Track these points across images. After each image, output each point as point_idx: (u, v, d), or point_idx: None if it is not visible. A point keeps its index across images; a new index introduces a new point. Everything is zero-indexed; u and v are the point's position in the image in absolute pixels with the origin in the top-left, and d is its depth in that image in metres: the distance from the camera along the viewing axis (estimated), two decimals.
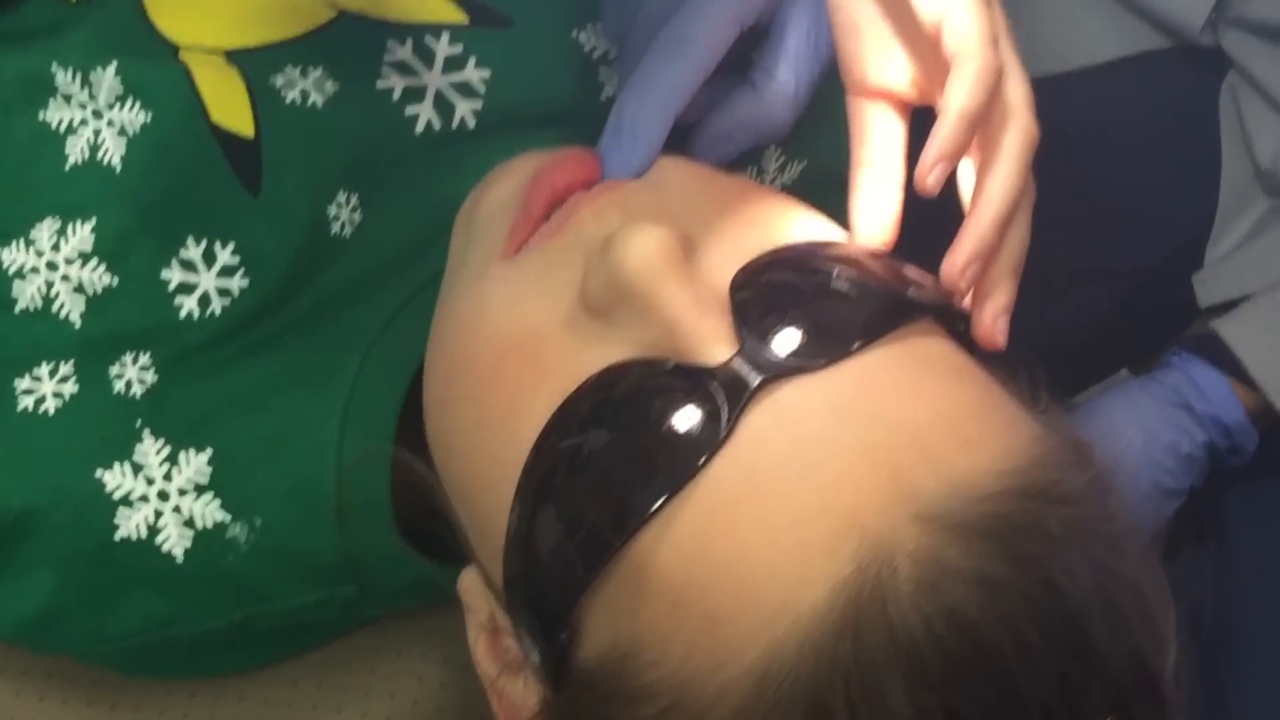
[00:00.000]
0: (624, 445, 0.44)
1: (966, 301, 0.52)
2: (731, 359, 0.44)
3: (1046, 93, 0.89)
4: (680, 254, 0.47)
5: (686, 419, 0.44)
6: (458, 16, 0.61)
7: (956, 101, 0.49)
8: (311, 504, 0.56)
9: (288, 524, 0.56)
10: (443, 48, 0.60)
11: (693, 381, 0.44)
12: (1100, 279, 0.92)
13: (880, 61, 0.55)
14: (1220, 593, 0.84)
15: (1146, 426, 0.84)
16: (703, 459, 0.43)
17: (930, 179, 0.49)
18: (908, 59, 0.54)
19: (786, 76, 0.59)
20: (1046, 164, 0.87)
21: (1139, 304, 0.93)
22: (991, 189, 0.51)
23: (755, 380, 0.44)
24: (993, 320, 0.51)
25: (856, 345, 0.45)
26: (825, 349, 0.45)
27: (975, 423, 0.45)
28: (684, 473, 0.43)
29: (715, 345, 0.45)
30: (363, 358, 0.58)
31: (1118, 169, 0.91)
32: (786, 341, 0.45)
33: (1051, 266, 0.88)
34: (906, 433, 0.44)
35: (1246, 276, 0.89)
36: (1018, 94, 0.51)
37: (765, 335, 0.45)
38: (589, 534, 0.44)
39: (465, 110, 0.60)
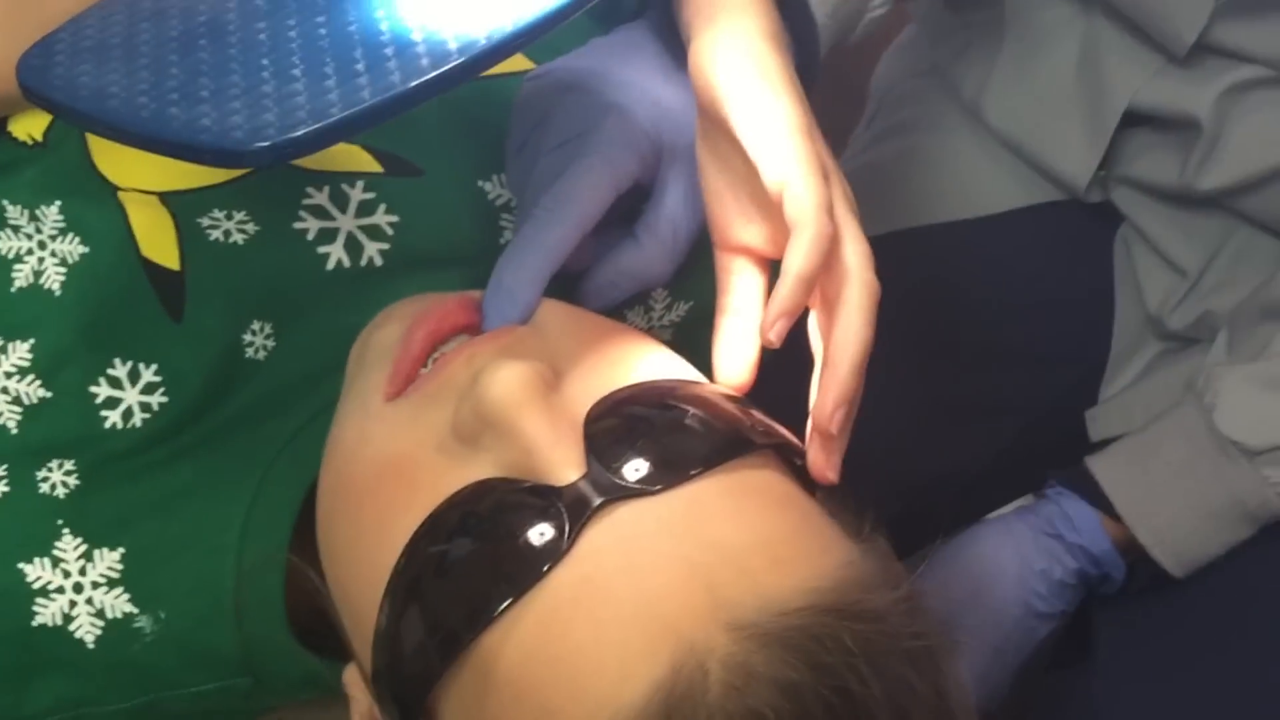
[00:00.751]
0: (480, 553, 0.51)
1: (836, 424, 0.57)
2: (578, 481, 0.51)
3: (951, 237, 0.97)
4: (541, 386, 0.53)
5: (535, 532, 0.50)
6: (373, 166, 0.69)
7: (794, 265, 0.55)
8: (212, 601, 0.62)
9: (190, 618, 0.62)
10: (356, 194, 0.67)
11: (544, 499, 0.51)
12: (1000, 413, 0.98)
13: (739, 222, 0.62)
14: (1087, 717, 0.89)
15: (1021, 552, 0.90)
16: (545, 567, 0.49)
17: (772, 334, 0.55)
18: (762, 220, 0.61)
19: (665, 233, 0.66)
20: (948, 304, 0.94)
21: (1037, 437, 1.00)
22: (842, 341, 0.57)
23: (597, 501, 0.50)
24: (827, 459, 0.57)
25: (693, 473, 0.51)
26: (664, 476, 0.51)
27: (790, 546, 0.51)
28: (528, 579, 0.49)
29: (565, 468, 0.51)
30: (265, 472, 0.64)
31: (1017, 310, 0.97)
32: (630, 468, 0.51)
33: (954, 401, 0.95)
34: (725, 552, 0.50)
35: (1133, 414, 0.96)
36: (856, 254, 0.57)
37: (612, 461, 0.51)
38: (444, 631, 0.50)
39: (373, 251, 0.67)
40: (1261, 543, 0.85)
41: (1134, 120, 0.92)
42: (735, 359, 0.61)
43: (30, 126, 0.67)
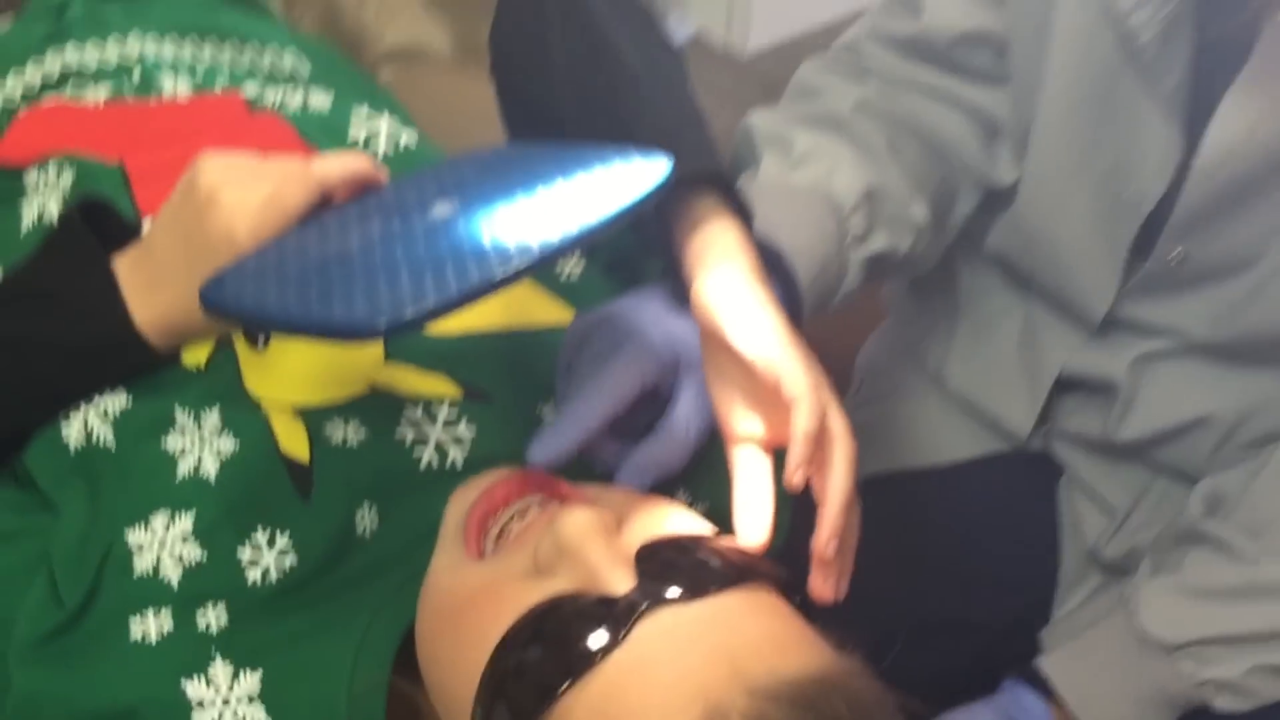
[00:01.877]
0: (555, 644, 0.67)
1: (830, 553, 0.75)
2: (630, 593, 0.68)
3: (922, 482, 1.15)
4: (603, 528, 0.71)
5: (599, 629, 0.67)
6: (454, 392, 0.88)
7: (801, 428, 0.74)
8: (329, 716, 0.78)
9: None
10: (443, 413, 0.87)
11: (604, 607, 0.68)
12: (962, 632, 1.14)
13: (741, 419, 0.81)
14: None
15: None
16: (606, 653, 0.66)
17: (796, 479, 0.74)
18: (759, 415, 0.80)
19: (680, 429, 0.85)
20: (920, 538, 1.12)
21: (996, 654, 1.15)
22: (833, 488, 0.75)
23: (644, 604, 0.68)
24: (830, 585, 0.75)
25: (714, 590, 0.69)
26: (693, 592, 0.68)
27: (790, 641, 0.69)
28: (592, 662, 0.66)
29: (620, 584, 0.69)
30: (371, 618, 0.81)
31: (977, 544, 1.15)
32: (669, 587, 0.69)
33: (924, 618, 1.11)
34: (742, 641, 0.67)
35: (1079, 632, 1.12)
36: (839, 422, 0.76)
37: (655, 582, 0.69)
38: (528, 701, 0.67)
39: (455, 455, 0.86)
40: None
41: (1066, 384, 1.12)
42: (752, 523, 0.78)
43: (196, 356, 0.86)
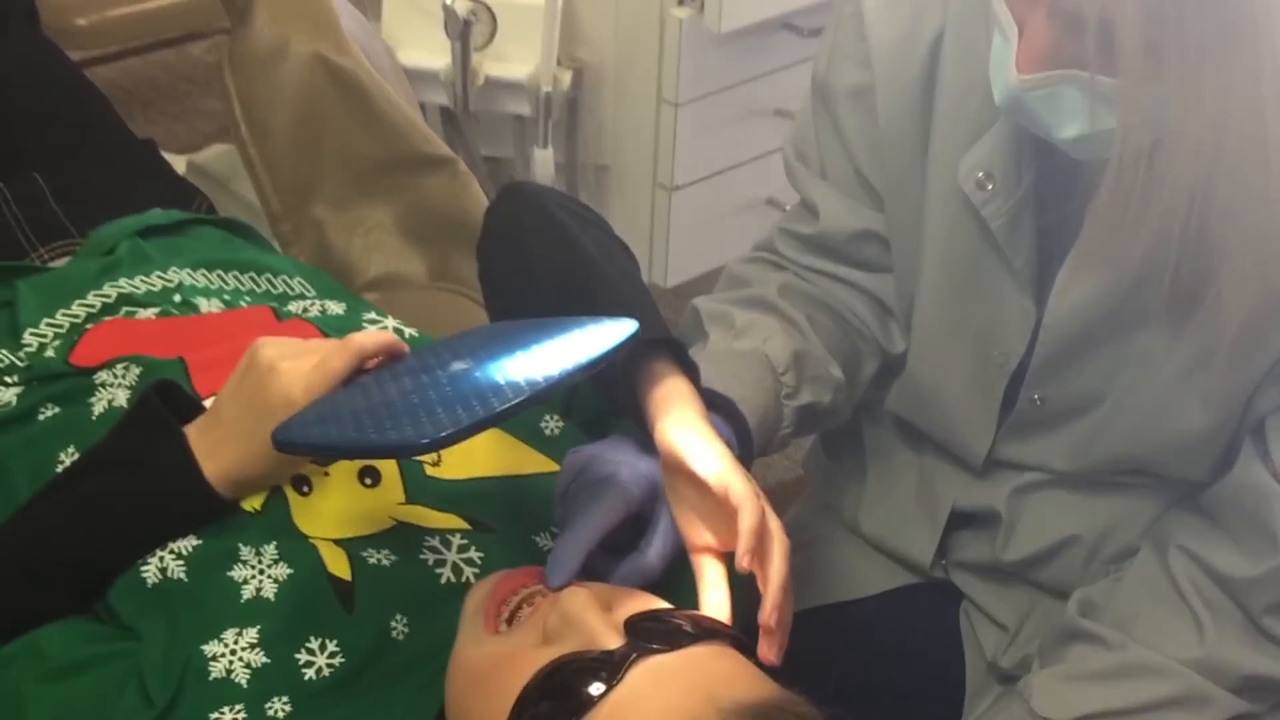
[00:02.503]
0: (564, 691, 0.87)
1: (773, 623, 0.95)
2: (622, 647, 0.88)
3: (842, 613, 1.35)
4: (598, 605, 0.91)
5: (597, 677, 0.87)
6: (464, 525, 1.09)
7: (745, 525, 0.95)
8: None
9: None
10: (456, 540, 1.07)
11: (600, 660, 0.88)
12: None
13: (699, 532, 1.02)
14: None
15: None
16: (603, 691, 0.86)
17: (744, 563, 0.95)
18: (714, 528, 1.01)
19: (659, 546, 1.06)
20: (841, 660, 1.30)
21: None
22: (773, 572, 0.97)
23: (633, 655, 0.87)
24: (772, 649, 0.95)
25: (686, 643, 0.89)
26: (672, 644, 0.89)
27: (752, 679, 0.89)
28: (595, 702, 0.85)
29: (613, 642, 0.89)
30: (409, 702, 0.99)
31: (892, 663, 1.35)
32: (652, 641, 0.89)
33: None
34: (713, 678, 0.87)
35: None
36: (775, 523, 0.98)
37: (641, 638, 0.89)
38: None
39: (469, 573, 1.05)
40: None
41: (959, 520, 1.34)
42: (714, 601, 1.00)
43: (253, 502, 1.06)
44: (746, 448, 1.13)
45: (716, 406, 1.11)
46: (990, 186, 1.13)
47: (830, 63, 1.25)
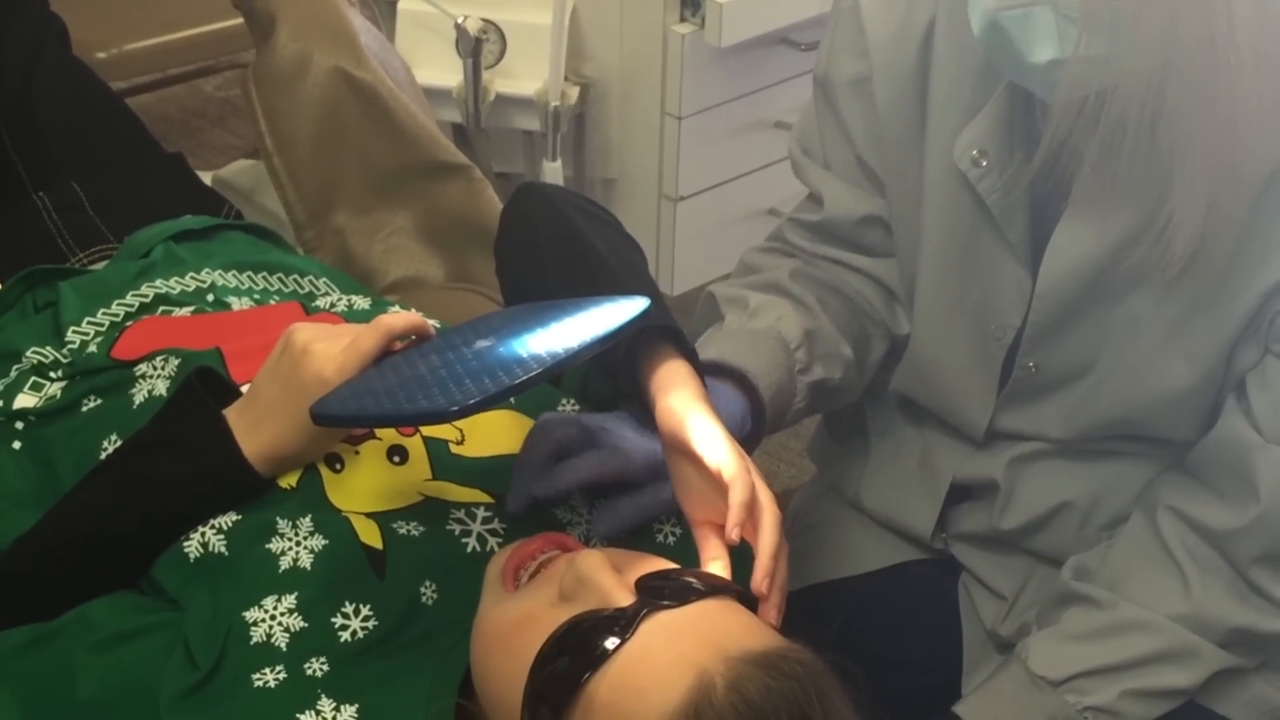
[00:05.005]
0: (580, 645, 0.93)
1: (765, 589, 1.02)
2: (633, 604, 0.95)
3: (843, 591, 1.42)
4: (609, 565, 0.98)
5: (612, 632, 0.93)
6: (488, 499, 1.15)
7: (735, 499, 1.02)
8: None
9: None
10: (480, 512, 1.13)
11: (614, 616, 0.94)
12: (885, 706, 1.37)
13: (699, 506, 1.09)
14: None
15: None
16: (618, 645, 0.92)
17: (733, 535, 1.01)
18: (712, 503, 1.07)
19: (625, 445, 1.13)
20: (844, 634, 1.37)
21: None
22: (763, 541, 1.03)
23: (644, 610, 0.94)
24: (770, 611, 1.01)
25: (693, 599, 0.95)
26: (681, 600, 0.95)
27: (756, 630, 0.95)
28: (610, 654, 0.92)
29: (625, 599, 0.95)
30: (438, 663, 1.05)
31: (893, 635, 1.41)
32: (662, 597, 0.95)
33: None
34: (720, 629, 0.93)
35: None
36: (765, 495, 1.05)
37: (651, 595, 0.95)
38: (563, 688, 0.92)
39: (493, 542, 1.12)
40: None
41: (958, 493, 1.40)
42: (715, 563, 1.06)
43: (289, 479, 1.12)
44: (760, 421, 1.20)
45: (733, 379, 1.18)
46: (985, 163, 1.21)
47: (830, 57, 1.33)
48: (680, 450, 1.08)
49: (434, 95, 2.14)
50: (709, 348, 1.26)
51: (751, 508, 1.04)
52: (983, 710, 1.27)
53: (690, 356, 1.14)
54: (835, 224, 1.37)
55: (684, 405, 1.08)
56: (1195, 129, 1.05)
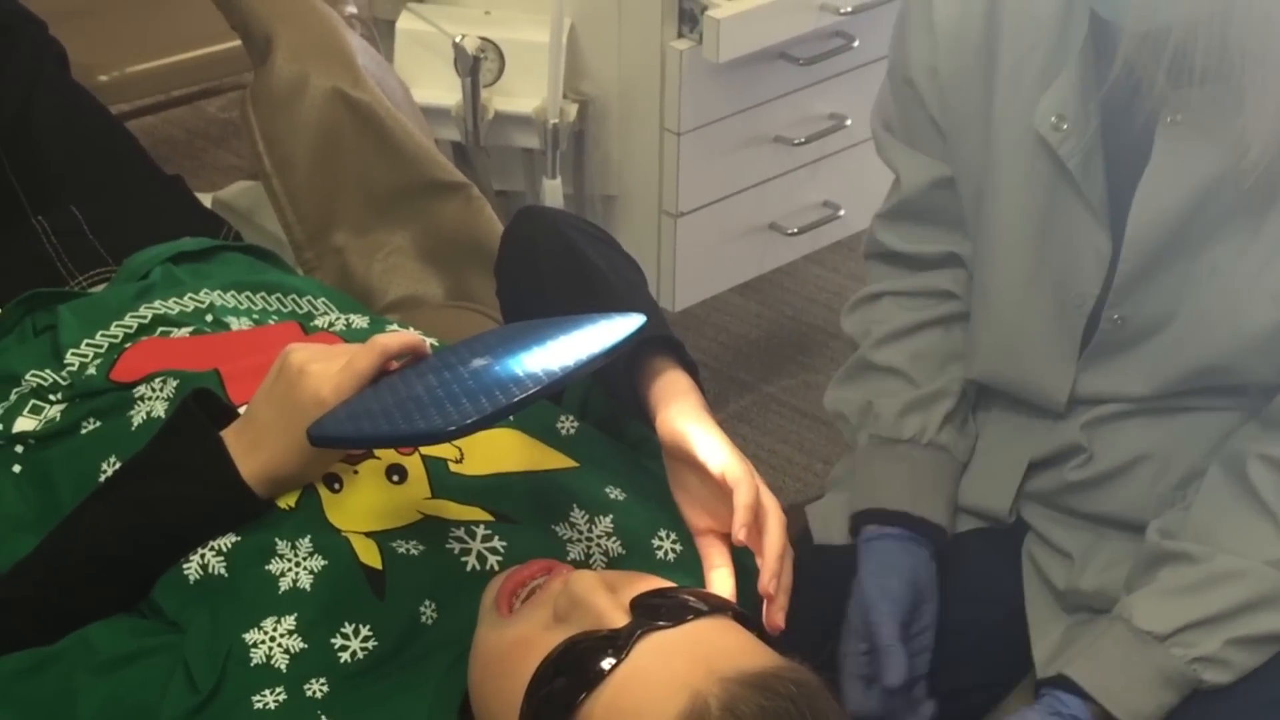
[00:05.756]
0: (575, 666, 0.93)
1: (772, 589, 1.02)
2: (628, 624, 0.95)
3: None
4: (604, 586, 0.98)
5: (607, 653, 0.93)
6: (488, 518, 1.15)
7: (741, 501, 1.03)
8: None
9: None
10: (480, 531, 1.13)
11: (609, 638, 0.94)
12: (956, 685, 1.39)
13: (702, 516, 1.09)
14: None
15: None
16: (612, 666, 0.92)
17: (741, 535, 1.02)
18: (715, 512, 1.08)
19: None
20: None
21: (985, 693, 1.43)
22: (769, 543, 1.04)
23: (639, 631, 0.94)
24: (776, 613, 1.01)
25: (689, 619, 0.95)
26: (676, 620, 0.95)
27: (751, 650, 0.95)
28: (604, 675, 0.92)
29: (620, 620, 0.95)
30: (437, 683, 1.05)
31: (965, 600, 1.41)
32: (657, 618, 0.95)
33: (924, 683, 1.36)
34: (715, 650, 0.93)
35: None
36: (769, 499, 1.05)
37: (646, 615, 0.95)
38: (559, 712, 0.92)
39: (493, 561, 1.12)
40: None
41: (1034, 467, 1.41)
42: (719, 585, 1.06)
43: (288, 500, 1.12)
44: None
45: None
46: (1065, 127, 1.24)
47: (902, 37, 1.37)
48: (682, 459, 1.08)
49: (433, 114, 2.14)
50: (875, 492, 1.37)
51: (756, 510, 1.04)
52: (1090, 670, 1.28)
53: (690, 369, 1.14)
54: (910, 200, 1.42)
55: (685, 416, 1.09)
56: (1261, 62, 1.09)
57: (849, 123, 2.39)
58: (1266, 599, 1.24)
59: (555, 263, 1.24)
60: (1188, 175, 1.21)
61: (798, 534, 1.51)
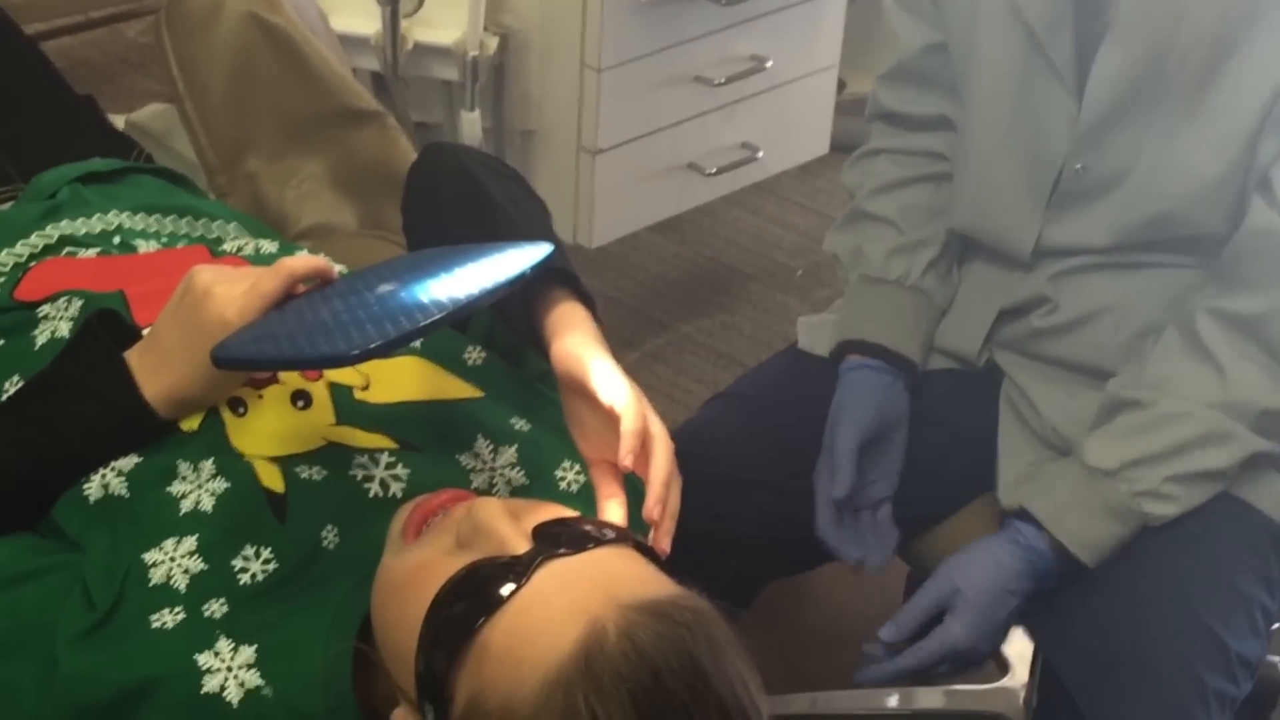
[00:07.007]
0: (476, 592, 0.94)
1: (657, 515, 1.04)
2: (529, 551, 0.96)
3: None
4: (507, 513, 0.99)
5: (507, 578, 0.94)
6: (392, 445, 1.16)
7: (626, 428, 1.04)
8: (308, 679, 1.02)
9: (295, 689, 1.02)
10: (384, 458, 1.14)
11: (511, 564, 0.95)
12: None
13: (595, 446, 1.11)
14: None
15: (997, 552, 1.38)
16: (512, 591, 0.93)
17: (627, 461, 1.04)
18: (607, 441, 1.09)
19: None
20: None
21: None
22: (656, 470, 1.06)
23: (539, 557, 0.95)
24: (662, 538, 1.03)
25: (589, 547, 0.97)
26: (576, 547, 0.96)
27: (650, 578, 0.96)
28: (504, 601, 0.93)
29: (521, 546, 0.96)
30: (337, 605, 1.06)
31: (942, 427, 1.51)
32: (558, 545, 0.96)
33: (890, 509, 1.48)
34: (614, 577, 0.94)
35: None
36: (657, 426, 1.07)
37: (547, 542, 0.96)
38: (457, 637, 0.93)
39: (396, 488, 1.12)
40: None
41: (1004, 315, 1.50)
42: (612, 514, 1.08)
43: (191, 422, 1.12)
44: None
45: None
46: None
47: None
48: (574, 389, 1.10)
49: (351, 43, 2.13)
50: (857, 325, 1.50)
51: (643, 437, 1.06)
52: (1045, 502, 1.38)
53: (587, 301, 1.15)
54: (906, 63, 1.54)
55: (579, 346, 1.11)
56: None
57: (769, 64, 2.41)
58: (1206, 438, 1.34)
59: (459, 198, 1.25)
60: (1143, 39, 1.32)
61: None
